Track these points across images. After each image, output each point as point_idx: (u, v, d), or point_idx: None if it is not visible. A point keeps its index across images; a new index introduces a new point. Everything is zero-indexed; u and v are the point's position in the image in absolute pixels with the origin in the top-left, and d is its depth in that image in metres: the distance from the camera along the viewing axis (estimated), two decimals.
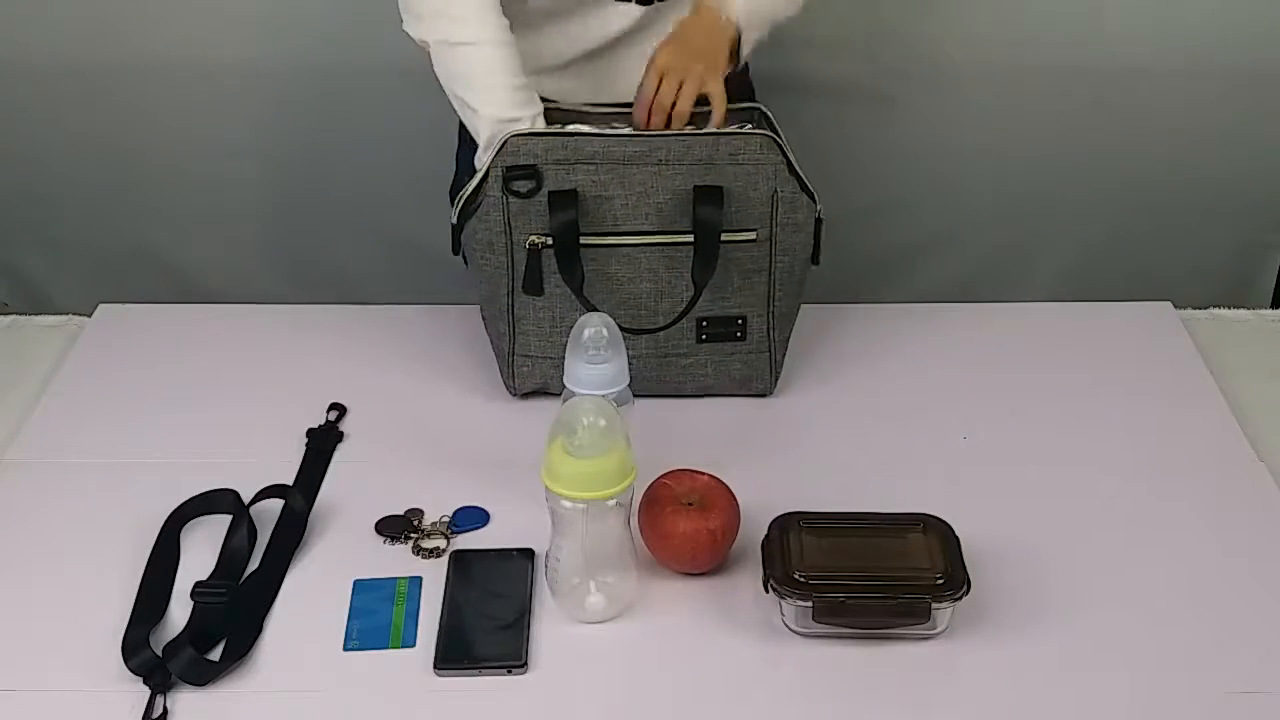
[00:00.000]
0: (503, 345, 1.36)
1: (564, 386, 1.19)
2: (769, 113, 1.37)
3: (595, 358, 1.15)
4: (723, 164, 1.27)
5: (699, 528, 1.14)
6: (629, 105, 1.35)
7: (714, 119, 1.33)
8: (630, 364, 1.29)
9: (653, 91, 1.32)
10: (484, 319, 1.38)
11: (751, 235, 1.30)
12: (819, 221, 1.31)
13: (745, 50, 1.38)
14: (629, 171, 1.27)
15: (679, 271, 1.31)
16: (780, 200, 1.29)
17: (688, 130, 1.31)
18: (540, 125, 1.30)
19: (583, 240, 1.27)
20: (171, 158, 2.04)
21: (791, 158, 1.28)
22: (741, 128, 1.32)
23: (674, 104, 1.31)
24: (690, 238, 1.29)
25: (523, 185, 1.26)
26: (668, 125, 1.32)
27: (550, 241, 1.27)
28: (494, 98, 1.30)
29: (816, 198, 1.30)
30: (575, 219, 1.26)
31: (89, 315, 1.54)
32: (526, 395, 1.38)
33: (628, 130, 1.32)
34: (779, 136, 1.31)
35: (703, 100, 1.33)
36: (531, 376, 1.36)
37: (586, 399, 1.07)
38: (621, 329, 1.26)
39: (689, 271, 1.30)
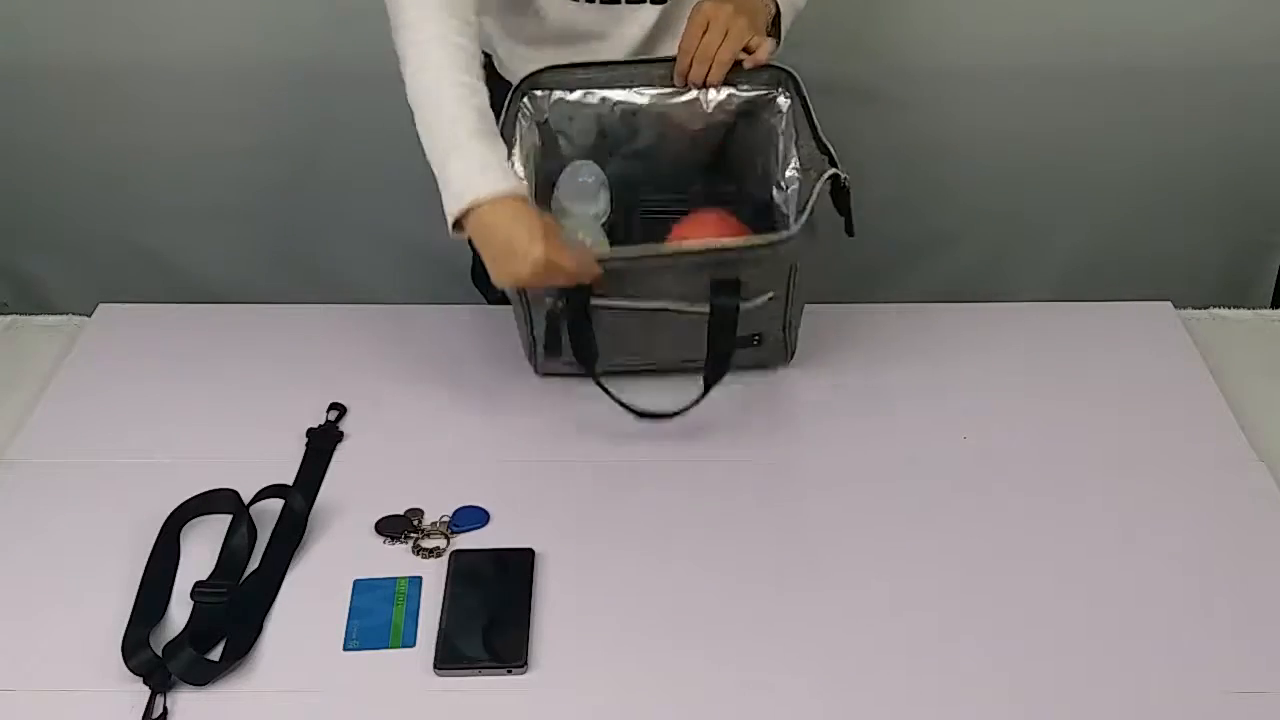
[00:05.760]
0: (525, 338, 1.37)
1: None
2: (797, 76, 1.36)
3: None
4: (745, 264, 1.26)
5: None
6: (650, 60, 1.36)
7: (759, 57, 1.32)
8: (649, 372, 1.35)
9: (697, 40, 1.31)
10: (512, 303, 1.37)
11: (770, 295, 1.30)
12: (847, 191, 1.29)
13: (785, 26, 1.38)
14: (645, 276, 1.26)
15: (697, 328, 1.29)
16: (797, 269, 1.29)
17: (706, 245, 1.29)
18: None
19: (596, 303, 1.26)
20: (171, 158, 2.04)
21: (811, 224, 1.26)
22: (770, 96, 1.34)
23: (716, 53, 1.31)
24: (706, 309, 1.27)
25: None
26: (707, 74, 1.32)
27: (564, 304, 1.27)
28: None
29: (838, 160, 1.29)
30: (588, 301, 1.24)
31: (89, 315, 1.54)
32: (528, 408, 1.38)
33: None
34: (809, 110, 1.32)
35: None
36: (553, 368, 1.37)
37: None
38: (635, 412, 1.28)
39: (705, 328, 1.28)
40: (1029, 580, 1.17)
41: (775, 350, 1.39)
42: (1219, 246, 2.15)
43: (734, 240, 1.29)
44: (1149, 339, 1.50)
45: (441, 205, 1.20)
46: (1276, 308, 2.08)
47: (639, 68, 1.37)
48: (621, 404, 1.28)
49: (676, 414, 1.29)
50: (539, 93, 1.36)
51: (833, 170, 1.28)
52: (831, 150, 1.30)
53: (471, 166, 1.18)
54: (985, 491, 1.27)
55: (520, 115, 1.35)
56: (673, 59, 1.35)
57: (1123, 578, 1.17)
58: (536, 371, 1.39)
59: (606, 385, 1.28)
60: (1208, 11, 1.92)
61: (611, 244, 1.37)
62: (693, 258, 1.26)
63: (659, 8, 1.38)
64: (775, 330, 1.36)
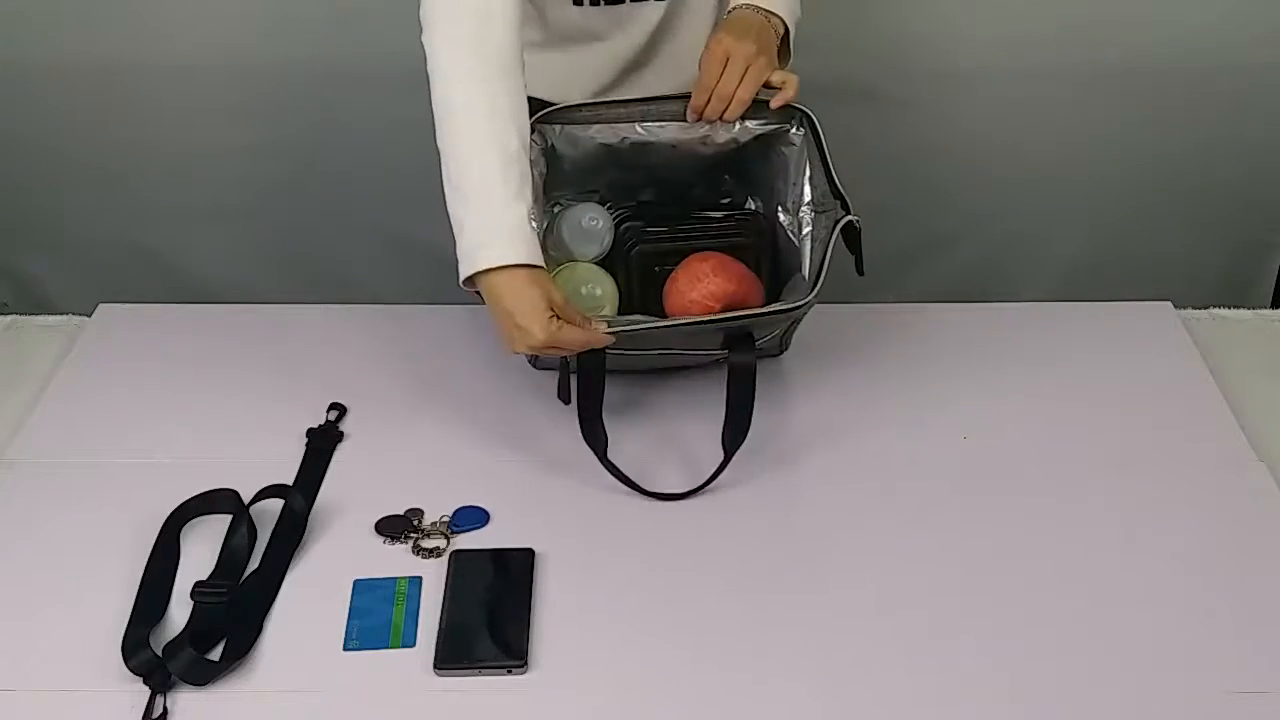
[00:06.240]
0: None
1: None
2: (813, 115, 1.34)
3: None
4: (760, 325, 1.26)
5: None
6: (663, 98, 1.34)
7: (787, 95, 1.30)
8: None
9: (716, 77, 1.28)
10: None
11: (776, 332, 1.32)
12: (858, 232, 1.28)
13: (791, 41, 1.36)
14: (655, 338, 1.26)
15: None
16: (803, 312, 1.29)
17: (721, 316, 1.27)
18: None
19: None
20: (171, 157, 2.04)
21: (818, 287, 1.26)
22: (783, 129, 1.33)
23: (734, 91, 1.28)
24: (720, 353, 1.27)
25: None
26: (724, 111, 1.29)
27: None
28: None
29: (850, 206, 1.29)
30: (602, 386, 1.23)
31: (89, 315, 1.54)
32: (528, 409, 1.38)
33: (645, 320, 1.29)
34: (823, 150, 1.31)
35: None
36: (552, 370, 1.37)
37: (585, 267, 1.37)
38: (645, 492, 1.25)
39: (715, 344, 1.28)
40: (1029, 580, 1.17)
41: (772, 353, 1.40)
42: (1219, 246, 2.15)
43: (751, 311, 1.27)
44: (1149, 339, 1.50)
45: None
46: (1276, 308, 2.08)
47: (651, 105, 1.33)
48: (636, 487, 1.25)
49: (694, 492, 1.26)
50: (547, 126, 1.34)
51: (847, 218, 1.27)
52: (845, 195, 1.29)
53: (486, 227, 1.16)
54: (985, 491, 1.27)
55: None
56: (685, 96, 1.32)
57: (1123, 578, 1.17)
58: (534, 365, 1.39)
59: (615, 463, 1.25)
60: (1208, 11, 1.92)
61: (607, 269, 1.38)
62: (711, 327, 1.25)
63: (663, 5, 1.37)
64: (774, 341, 1.37)
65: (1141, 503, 1.26)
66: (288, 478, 1.27)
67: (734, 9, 1.32)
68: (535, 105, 1.37)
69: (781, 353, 1.42)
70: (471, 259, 1.16)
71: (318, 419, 1.36)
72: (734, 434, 1.25)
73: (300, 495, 1.23)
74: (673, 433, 1.33)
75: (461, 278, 1.18)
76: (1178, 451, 1.33)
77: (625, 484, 1.24)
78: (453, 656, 1.08)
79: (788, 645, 1.10)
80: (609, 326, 1.20)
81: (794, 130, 1.35)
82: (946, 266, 2.15)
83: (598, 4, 1.36)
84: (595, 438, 1.25)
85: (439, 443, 1.33)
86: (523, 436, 1.34)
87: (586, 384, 1.24)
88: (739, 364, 1.25)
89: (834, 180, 1.31)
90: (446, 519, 1.22)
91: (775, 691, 1.07)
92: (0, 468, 1.30)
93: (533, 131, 1.30)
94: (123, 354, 1.47)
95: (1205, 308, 1.58)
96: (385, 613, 1.13)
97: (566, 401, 1.25)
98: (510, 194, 1.16)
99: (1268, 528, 1.23)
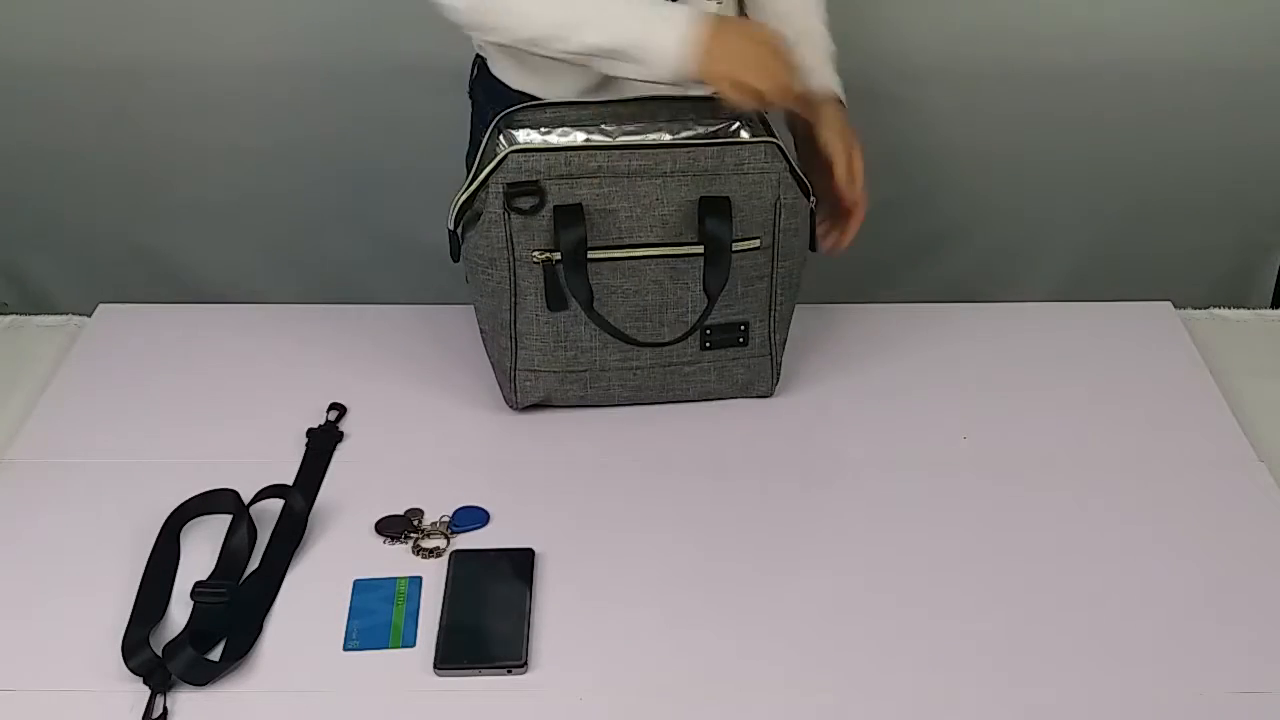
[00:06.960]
0: (505, 361, 1.34)
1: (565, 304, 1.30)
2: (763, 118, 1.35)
3: None
4: (728, 174, 1.26)
5: None
6: (622, 100, 1.35)
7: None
8: (634, 373, 1.32)
9: (846, 170, 1.35)
10: (483, 334, 1.36)
11: (755, 243, 1.29)
12: (812, 213, 1.31)
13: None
14: (633, 184, 1.25)
15: (684, 283, 1.30)
16: (783, 207, 1.28)
17: (691, 140, 1.29)
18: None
19: (588, 255, 1.26)
20: (171, 158, 2.04)
21: (793, 160, 1.28)
22: (734, 128, 1.32)
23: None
24: (695, 249, 1.28)
25: (525, 202, 1.24)
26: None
27: (558, 257, 1.26)
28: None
29: (811, 192, 1.30)
30: (584, 234, 1.25)
31: (89, 315, 1.54)
32: (528, 409, 1.38)
33: (628, 138, 1.31)
34: (777, 137, 1.31)
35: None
36: (535, 391, 1.35)
37: None
38: (630, 341, 1.27)
39: (694, 282, 1.29)
40: (1028, 580, 1.17)
41: (761, 369, 1.38)
42: (1219, 246, 2.15)
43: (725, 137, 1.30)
44: (1149, 339, 1.50)
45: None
46: (1276, 308, 2.08)
47: (609, 107, 1.35)
48: (624, 337, 1.27)
49: (678, 340, 1.29)
50: (514, 131, 1.34)
51: (811, 204, 1.29)
52: (808, 187, 1.30)
53: (662, 11, 1.23)
54: (985, 492, 1.27)
55: (497, 150, 1.32)
56: (642, 98, 1.33)
57: (1122, 577, 1.17)
58: (514, 407, 1.37)
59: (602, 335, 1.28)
60: (1208, 11, 1.92)
61: None
62: (682, 159, 1.26)
63: (718, 4, 1.36)
64: (761, 327, 1.35)
65: (1141, 503, 1.26)
66: (288, 478, 1.27)
67: (827, 105, 1.40)
68: (521, 99, 1.38)
69: (773, 388, 1.40)
70: (687, 26, 1.21)
71: (318, 419, 1.36)
72: (715, 279, 1.28)
73: (300, 495, 1.23)
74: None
75: (674, 72, 1.23)
76: (1178, 451, 1.33)
77: (612, 335, 1.27)
78: (453, 657, 1.08)
79: (789, 645, 1.10)
80: None
81: (744, 130, 1.35)
82: (947, 266, 2.15)
83: None
84: (581, 290, 1.26)
85: (439, 443, 1.33)
86: (523, 436, 1.34)
87: (568, 237, 1.25)
88: (712, 230, 1.26)
89: (799, 177, 1.30)
90: (446, 519, 1.22)
91: (776, 692, 1.07)
92: (0, 468, 1.30)
93: (499, 134, 1.32)
94: (123, 354, 1.47)
95: (1205, 308, 1.58)
96: (385, 613, 1.13)
97: (552, 309, 1.29)
98: None
99: (1268, 528, 1.23)
